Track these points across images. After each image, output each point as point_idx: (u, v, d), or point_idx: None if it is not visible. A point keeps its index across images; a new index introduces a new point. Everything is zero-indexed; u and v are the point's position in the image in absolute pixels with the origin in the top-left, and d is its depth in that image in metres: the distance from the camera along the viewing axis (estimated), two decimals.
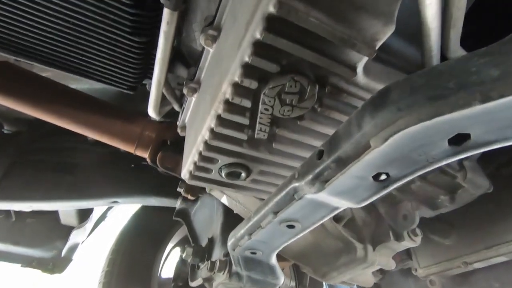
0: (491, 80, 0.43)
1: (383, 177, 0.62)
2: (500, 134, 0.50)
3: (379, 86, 0.64)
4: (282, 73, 0.56)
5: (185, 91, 0.92)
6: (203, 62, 0.86)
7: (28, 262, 2.24)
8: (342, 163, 0.60)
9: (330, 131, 0.70)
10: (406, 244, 1.09)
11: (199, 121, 0.82)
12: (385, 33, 0.52)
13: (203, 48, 0.82)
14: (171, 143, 1.32)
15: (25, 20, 0.83)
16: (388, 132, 0.52)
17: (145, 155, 1.30)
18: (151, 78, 1.02)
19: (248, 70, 0.55)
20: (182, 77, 1.20)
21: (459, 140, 0.51)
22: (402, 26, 0.68)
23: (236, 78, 0.58)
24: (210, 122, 0.69)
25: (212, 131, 0.70)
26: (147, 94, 1.08)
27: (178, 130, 1.08)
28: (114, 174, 1.89)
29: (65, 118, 1.16)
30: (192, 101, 0.97)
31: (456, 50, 0.70)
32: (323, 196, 0.69)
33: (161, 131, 1.30)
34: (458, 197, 1.01)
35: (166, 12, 0.71)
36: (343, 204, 0.72)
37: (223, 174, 0.82)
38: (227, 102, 0.62)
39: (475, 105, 0.43)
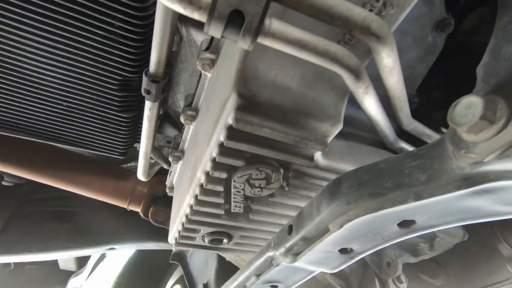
0: (420, 183, 0.48)
1: (348, 250, 0.67)
2: (441, 220, 0.56)
3: (340, 165, 0.70)
4: (248, 165, 0.62)
5: (170, 159, 0.99)
6: (185, 135, 0.93)
7: None
8: (308, 241, 0.65)
9: (301, 203, 0.75)
10: None
11: (181, 192, 0.88)
12: (334, 131, 0.59)
13: None
14: (162, 196, 1.38)
15: (24, 105, 0.92)
16: (342, 220, 0.58)
17: (138, 209, 1.35)
18: (139, 142, 1.09)
19: (217, 165, 0.62)
20: (170, 136, 1.27)
21: (406, 225, 0.57)
22: None
23: (208, 169, 0.64)
24: (190, 200, 0.75)
25: (191, 207, 0.76)
26: None
27: (167, 191, 1.14)
28: (110, 221, 1.93)
29: (60, 180, 1.22)
30: (178, 166, 1.04)
31: (410, 123, 0.77)
32: (298, 264, 0.74)
33: (152, 186, 1.36)
34: (436, 245, 1.05)
35: (148, 102, 0.79)
36: (318, 269, 0.76)
37: (206, 241, 0.87)
38: (202, 187, 0.69)
39: (410, 202, 0.49)
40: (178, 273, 2.86)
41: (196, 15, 0.37)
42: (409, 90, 0.83)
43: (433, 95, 1.10)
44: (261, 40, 0.40)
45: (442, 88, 1.13)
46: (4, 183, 1.98)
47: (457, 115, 0.38)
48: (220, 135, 0.57)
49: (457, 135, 0.40)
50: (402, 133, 0.80)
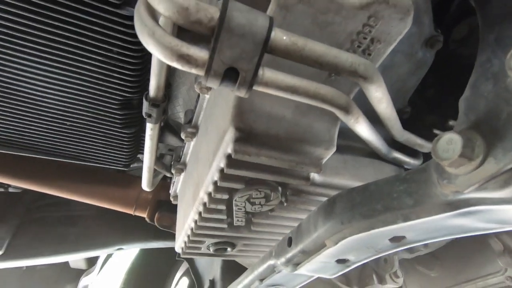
0: (408, 207, 0.52)
1: (344, 260, 0.72)
2: (429, 236, 0.60)
3: (336, 180, 0.74)
4: (247, 186, 0.66)
5: (173, 171, 1.03)
6: (186, 149, 0.97)
7: None
8: (307, 253, 0.70)
9: (300, 215, 0.79)
10: (389, 286, 1.18)
11: (185, 205, 0.92)
12: (328, 154, 0.62)
13: None
14: (166, 201, 1.42)
15: (31, 126, 0.95)
16: (337, 237, 0.62)
17: (144, 215, 1.40)
18: (142, 153, 1.13)
19: (218, 188, 0.65)
20: (171, 145, 1.30)
21: (397, 240, 0.61)
22: None
23: (210, 190, 0.68)
24: (194, 215, 0.79)
25: (196, 222, 0.80)
26: None
27: (171, 199, 1.18)
28: (116, 222, 1.98)
29: (67, 191, 1.26)
30: (181, 177, 1.08)
31: (402, 135, 0.80)
32: (299, 272, 0.78)
33: (157, 192, 1.40)
34: (430, 243, 1.11)
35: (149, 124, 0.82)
36: (317, 275, 0.81)
37: (211, 250, 0.92)
38: (205, 205, 0.73)
39: (399, 222, 0.53)
40: (185, 266, 2.95)
41: (194, 71, 0.40)
42: (401, 101, 0.85)
43: (427, 94, 1.12)
44: (256, 87, 0.42)
45: (436, 87, 1.15)
46: (11, 189, 2.03)
47: (439, 150, 0.41)
48: (220, 163, 0.61)
49: (440, 166, 0.43)
50: (396, 142, 0.83)
